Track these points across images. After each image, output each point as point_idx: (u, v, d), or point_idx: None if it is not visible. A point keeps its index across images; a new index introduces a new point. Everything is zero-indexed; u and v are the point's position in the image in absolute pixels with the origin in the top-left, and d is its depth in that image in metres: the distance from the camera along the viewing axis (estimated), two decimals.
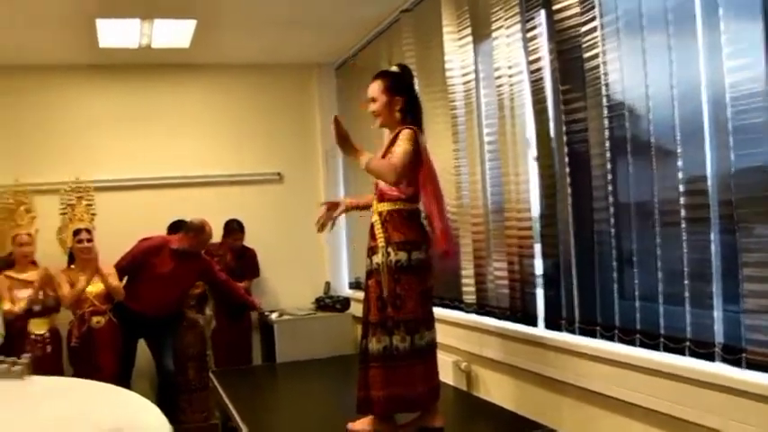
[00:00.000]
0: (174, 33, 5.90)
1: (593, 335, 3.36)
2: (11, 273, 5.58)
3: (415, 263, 3.33)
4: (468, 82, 4.45)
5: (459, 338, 4.62)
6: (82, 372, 5.06)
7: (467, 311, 4.59)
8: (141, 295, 5.72)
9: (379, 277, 3.33)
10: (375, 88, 3.49)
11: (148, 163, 6.79)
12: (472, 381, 4.55)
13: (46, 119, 6.61)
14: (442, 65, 4.72)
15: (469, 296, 4.55)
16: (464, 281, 4.59)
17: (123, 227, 6.12)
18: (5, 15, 5.09)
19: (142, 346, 5.97)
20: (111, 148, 6.72)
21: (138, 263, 5.80)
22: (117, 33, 5.78)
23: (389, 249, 3.32)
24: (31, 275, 5.56)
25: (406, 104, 3.45)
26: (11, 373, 3.41)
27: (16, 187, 6.13)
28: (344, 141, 3.27)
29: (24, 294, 5.45)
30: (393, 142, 3.37)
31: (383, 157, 3.38)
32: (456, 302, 4.73)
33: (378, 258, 3.35)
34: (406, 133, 3.33)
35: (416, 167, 3.36)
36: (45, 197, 6.18)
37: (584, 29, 3.28)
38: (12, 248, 5.72)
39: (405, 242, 3.33)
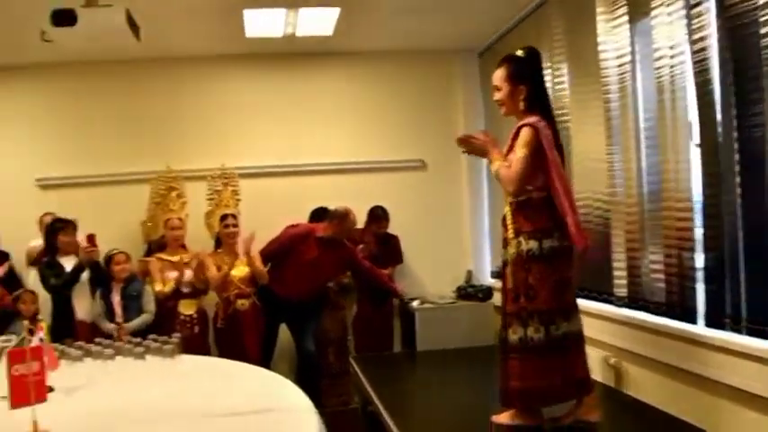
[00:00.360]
0: (318, 21, 5.95)
1: (763, 335, 3.09)
2: (162, 255, 5.81)
3: (547, 251, 3.21)
4: (623, 65, 4.22)
5: (609, 333, 4.41)
6: (226, 352, 5.18)
7: (617, 305, 4.37)
8: (286, 281, 5.79)
9: (513, 267, 3.27)
10: (498, 76, 3.38)
11: (292, 150, 6.89)
12: (621, 377, 4.34)
13: (196, 108, 6.86)
14: (594, 47, 4.51)
15: (621, 289, 4.33)
16: (615, 273, 4.37)
17: (267, 213, 6.25)
18: (159, 8, 5.24)
19: (283, 329, 6.06)
20: (256, 136, 6.88)
21: (285, 249, 5.87)
22: (263, 23, 5.89)
23: (521, 239, 3.25)
24: (181, 258, 5.76)
25: (531, 92, 3.31)
26: (163, 351, 3.53)
27: (168, 173, 6.38)
28: (474, 149, 3.36)
29: (174, 276, 5.65)
30: (514, 139, 3.28)
31: (507, 153, 3.31)
32: (606, 295, 4.51)
33: (510, 248, 3.29)
34: (523, 136, 3.21)
35: (542, 163, 3.22)
36: (195, 183, 6.38)
37: (761, 1, 3.00)
38: (164, 232, 5.95)
39: (535, 231, 3.23)
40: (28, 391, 2.44)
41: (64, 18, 4.02)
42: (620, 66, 4.27)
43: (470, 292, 6.44)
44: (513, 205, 3.32)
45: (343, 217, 5.79)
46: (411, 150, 7.06)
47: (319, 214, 6.19)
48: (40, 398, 2.50)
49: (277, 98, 6.92)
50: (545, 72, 4.39)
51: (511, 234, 3.30)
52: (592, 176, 4.69)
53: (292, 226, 6.04)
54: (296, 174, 6.87)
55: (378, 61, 7.03)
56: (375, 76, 7.10)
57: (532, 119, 3.24)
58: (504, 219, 3.38)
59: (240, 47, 6.52)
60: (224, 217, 5.84)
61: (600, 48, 4.44)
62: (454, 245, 7.02)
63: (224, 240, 5.82)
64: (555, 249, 3.22)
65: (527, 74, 3.34)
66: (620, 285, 4.33)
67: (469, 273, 6.89)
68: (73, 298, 5.43)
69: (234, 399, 2.95)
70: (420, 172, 7.08)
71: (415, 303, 6.29)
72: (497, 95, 3.39)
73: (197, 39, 6.27)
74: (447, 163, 7.01)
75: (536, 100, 3.33)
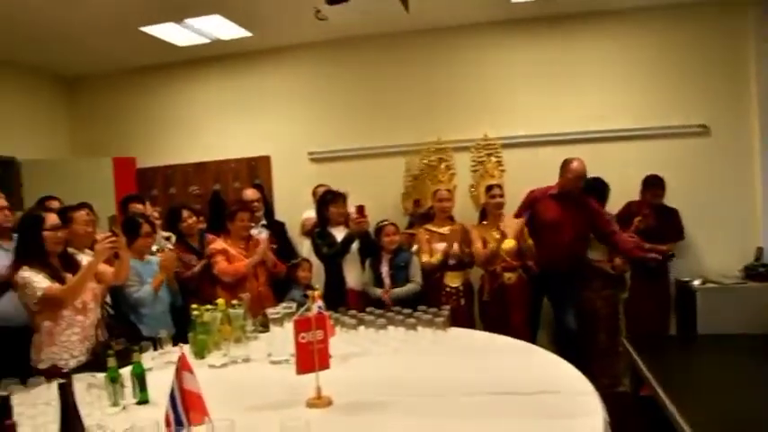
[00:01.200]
0: None
1: None
2: (430, 226, 5.78)
3: None
4: None
5: None
6: (491, 326, 5.05)
7: None
8: (537, 247, 5.58)
9: None
10: None
11: (560, 118, 6.61)
12: None
13: (459, 77, 6.80)
14: None
15: None
16: None
17: (532, 184, 5.96)
18: None
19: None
20: (522, 104, 6.68)
21: (526, 211, 5.68)
22: None
23: None
24: (447, 230, 5.69)
25: None
26: (434, 323, 3.47)
27: (438, 144, 6.36)
28: None
29: (441, 247, 5.59)
30: None
31: None
32: None
33: None
34: None
35: None
36: (462, 154, 6.32)
37: None
38: (432, 203, 5.91)
39: None
40: (312, 359, 2.50)
41: None
42: None
43: (762, 272, 5.79)
44: None
45: (564, 166, 5.53)
46: (691, 115, 6.42)
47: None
48: (324, 365, 2.54)
49: (543, 65, 6.69)
50: None
51: None
52: None
53: (532, 190, 5.86)
54: (565, 143, 6.52)
55: (646, 18, 6.49)
56: (649, 33, 6.54)
57: None
58: None
59: (504, 12, 6.39)
60: (490, 188, 5.68)
61: None
62: (742, 219, 6.33)
63: (489, 211, 5.68)
64: None
65: None
66: None
67: (760, 250, 6.17)
68: (344, 267, 5.57)
69: (514, 377, 2.82)
70: (702, 138, 6.41)
71: (695, 283, 5.77)
72: None
73: (463, 6, 6.20)
74: (734, 128, 6.34)
75: None
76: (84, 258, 3.98)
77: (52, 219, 3.77)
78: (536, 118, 6.62)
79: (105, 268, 4.03)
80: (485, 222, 5.72)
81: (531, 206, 5.72)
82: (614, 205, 6.03)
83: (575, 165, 5.55)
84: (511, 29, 6.67)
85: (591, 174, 5.72)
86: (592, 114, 6.56)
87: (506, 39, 6.73)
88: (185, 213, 5.68)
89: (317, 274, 5.68)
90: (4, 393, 1.96)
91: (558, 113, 6.61)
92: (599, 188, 5.97)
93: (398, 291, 5.34)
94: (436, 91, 6.82)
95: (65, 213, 4.27)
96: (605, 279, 5.95)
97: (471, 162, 6.17)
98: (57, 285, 3.63)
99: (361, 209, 5.39)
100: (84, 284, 3.73)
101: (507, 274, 5.51)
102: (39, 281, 3.58)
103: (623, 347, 5.22)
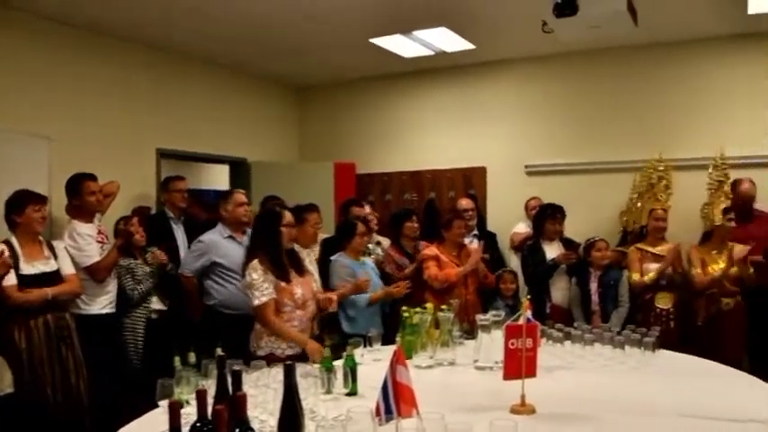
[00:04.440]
0: None
1: None
2: (643, 245, 5.67)
3: None
4: None
5: None
6: (704, 352, 4.87)
7: None
8: None
9: None
10: None
11: None
12: None
13: (686, 92, 6.60)
14: None
15: None
16: None
17: None
18: None
19: None
20: (750, 121, 6.33)
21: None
22: None
23: None
24: (660, 249, 5.57)
25: None
26: (642, 343, 3.46)
27: (659, 162, 6.26)
28: None
29: (653, 267, 5.48)
30: None
31: None
32: None
33: None
34: None
35: None
36: (684, 173, 6.18)
37: None
38: (648, 221, 5.81)
39: None
40: (520, 366, 2.58)
41: (566, 7, 4.12)
42: None
43: None
44: None
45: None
46: None
47: None
48: (530, 373, 2.62)
49: None
50: None
51: None
52: None
53: None
54: None
55: None
56: None
57: None
58: None
59: (739, 26, 6.13)
60: (727, 210, 5.50)
61: None
62: None
63: (718, 233, 5.48)
64: None
65: None
66: None
67: None
68: (550, 282, 5.62)
69: (724, 403, 2.78)
70: None
71: None
72: None
73: (695, 20, 6.05)
74: None
75: None
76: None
77: (289, 216, 4.04)
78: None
79: None
80: (706, 243, 5.55)
81: None
82: None
83: (743, 187, 5.49)
84: (746, 43, 6.35)
85: None
86: None
87: (741, 53, 6.40)
88: (414, 217, 5.91)
89: (523, 287, 5.77)
90: (237, 368, 2.14)
91: None
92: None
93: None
94: (661, 106, 6.67)
95: (299, 213, 4.65)
96: None
97: (709, 181, 5.95)
98: (269, 303, 3.80)
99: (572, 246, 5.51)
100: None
101: (726, 300, 5.33)
102: (262, 289, 3.79)
103: None
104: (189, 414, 2.20)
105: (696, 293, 5.46)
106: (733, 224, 5.40)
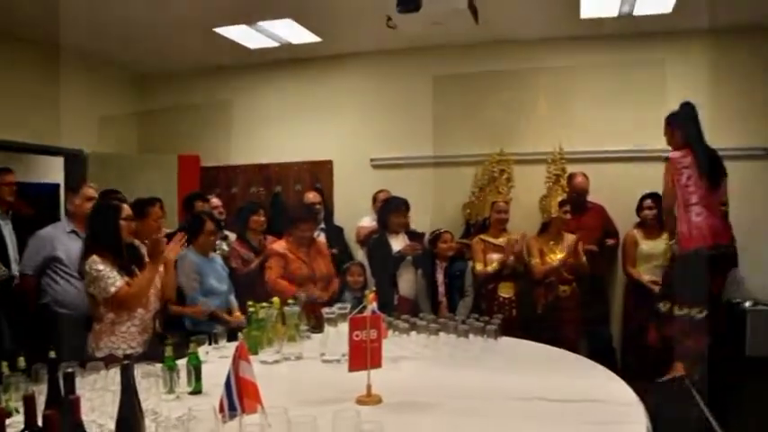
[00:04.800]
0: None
1: None
2: (485, 236, 5.85)
3: None
4: None
5: None
6: (543, 338, 5.06)
7: None
8: None
9: None
10: None
11: (622, 134, 6.49)
12: None
13: (526, 90, 6.83)
14: None
15: None
16: None
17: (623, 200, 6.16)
18: None
19: None
20: (584, 119, 6.61)
21: None
22: (599, 2, 5.66)
23: None
24: (502, 240, 5.76)
25: None
26: (486, 332, 3.52)
27: (501, 156, 6.45)
28: None
29: (496, 257, 5.66)
30: None
31: None
32: None
33: None
34: None
35: None
36: (525, 167, 6.41)
37: None
38: (489, 214, 6.00)
39: None
40: (365, 357, 2.58)
41: (409, 3, 4.15)
42: None
43: None
44: None
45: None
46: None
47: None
48: (375, 364, 2.62)
49: (611, 81, 6.59)
50: None
51: None
52: None
53: None
54: (638, 160, 6.43)
55: (714, 39, 6.29)
56: (709, 54, 6.38)
57: None
58: None
59: (573, 28, 6.35)
60: (563, 203, 5.78)
61: None
62: None
63: (555, 224, 5.75)
64: None
65: None
66: None
67: None
68: (397, 274, 5.66)
69: (560, 385, 2.87)
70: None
71: (746, 304, 5.69)
72: None
73: (531, 21, 6.23)
74: None
75: None
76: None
77: (128, 210, 3.87)
78: (609, 133, 6.56)
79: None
80: (544, 234, 5.81)
81: None
82: None
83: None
84: (580, 45, 6.61)
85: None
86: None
87: (575, 54, 6.65)
88: (261, 211, 5.78)
89: (370, 279, 5.75)
90: (70, 369, 2.01)
91: (625, 129, 6.49)
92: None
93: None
94: (502, 103, 6.82)
95: (140, 207, 4.45)
96: None
97: (546, 174, 6.17)
98: (126, 288, 3.66)
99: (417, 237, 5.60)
100: (151, 284, 3.82)
101: (563, 287, 5.57)
102: (113, 277, 3.63)
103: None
104: (18, 423, 2.04)
105: (535, 282, 5.68)
106: (568, 216, 5.66)
